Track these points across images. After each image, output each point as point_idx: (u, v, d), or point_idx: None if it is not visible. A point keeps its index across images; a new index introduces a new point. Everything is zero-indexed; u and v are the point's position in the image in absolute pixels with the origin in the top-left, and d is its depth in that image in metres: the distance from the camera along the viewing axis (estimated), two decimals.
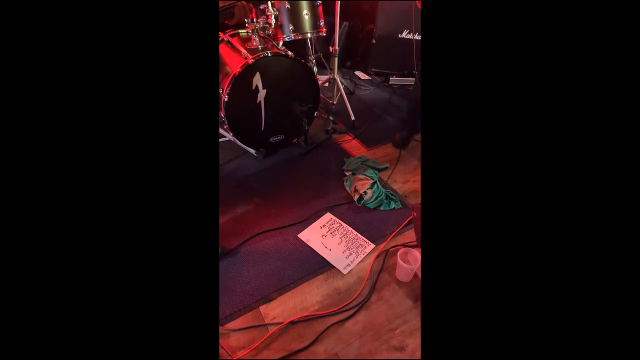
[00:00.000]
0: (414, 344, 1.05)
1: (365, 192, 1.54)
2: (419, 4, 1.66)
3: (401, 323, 1.10)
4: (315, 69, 2.08)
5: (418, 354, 1.02)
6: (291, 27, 1.78)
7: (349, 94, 2.47)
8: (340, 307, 1.14)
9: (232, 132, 1.66)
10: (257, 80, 1.61)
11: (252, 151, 1.82)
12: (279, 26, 1.78)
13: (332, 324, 1.09)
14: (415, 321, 1.11)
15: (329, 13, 1.95)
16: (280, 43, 1.81)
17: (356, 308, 1.14)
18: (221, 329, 1.08)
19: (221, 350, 1.02)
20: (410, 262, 1.22)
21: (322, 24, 1.85)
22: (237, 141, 1.74)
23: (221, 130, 1.83)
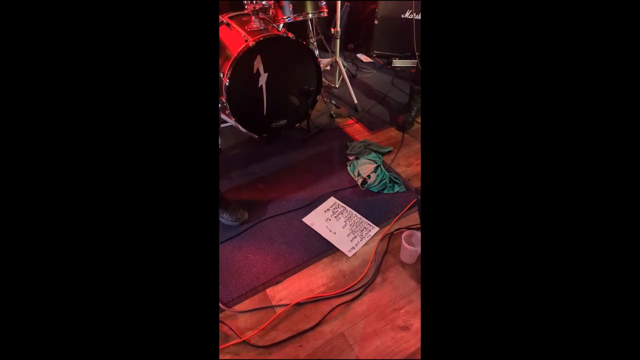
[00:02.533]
0: (419, 323, 1.07)
1: (369, 176, 1.54)
2: None
3: (406, 303, 1.12)
4: (316, 52, 2.05)
5: None
6: (291, 8, 1.73)
7: (351, 77, 2.43)
8: (345, 288, 1.16)
9: (234, 117, 1.64)
10: (258, 63, 1.58)
11: (255, 136, 1.81)
12: (279, 7, 1.74)
13: (338, 305, 1.11)
14: (419, 301, 1.12)
15: None
16: (281, 25, 1.77)
17: (361, 289, 1.16)
18: (229, 311, 1.10)
19: (229, 332, 1.05)
20: (414, 244, 1.22)
21: (323, 4, 1.80)
22: (240, 126, 1.73)
23: (223, 116, 1.81)
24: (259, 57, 1.56)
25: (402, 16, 2.42)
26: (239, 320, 1.08)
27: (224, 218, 1.37)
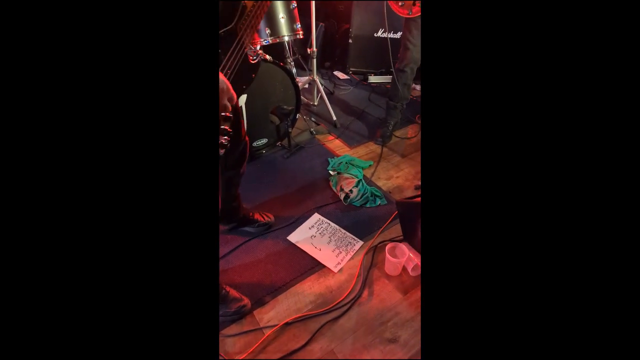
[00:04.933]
0: (406, 334, 1.09)
1: (351, 191, 1.57)
2: (391, 4, 1.70)
3: (393, 315, 1.14)
4: (294, 70, 2.10)
5: (411, 344, 1.06)
6: (268, 31, 1.78)
7: (329, 94, 2.50)
8: (333, 305, 1.17)
9: None
10: None
11: None
12: (256, 30, 1.79)
13: (326, 322, 1.11)
14: (406, 312, 1.15)
15: (304, 14, 1.97)
16: (258, 47, 1.82)
17: (349, 305, 1.17)
18: None
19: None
20: (398, 256, 1.25)
21: (298, 26, 1.87)
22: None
23: None
24: None
25: (375, 35, 2.52)
26: (227, 345, 1.06)
27: (252, 228, 1.40)
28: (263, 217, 1.44)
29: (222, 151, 0.92)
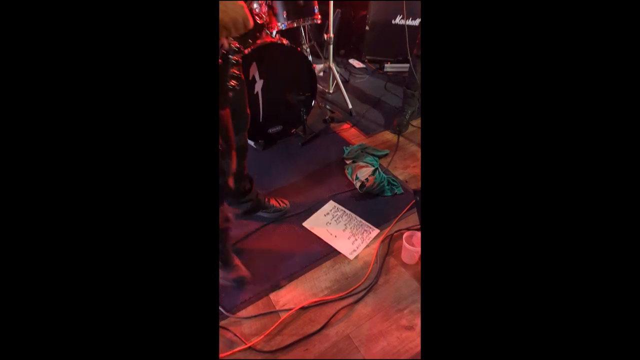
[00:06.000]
0: None
1: (367, 179, 1.55)
2: None
3: (409, 303, 1.13)
4: (310, 58, 2.07)
5: None
6: (285, 15, 1.76)
7: (344, 82, 2.46)
8: (349, 291, 1.16)
9: None
10: (254, 70, 1.59)
11: (252, 143, 1.82)
12: (273, 14, 1.76)
13: (342, 307, 1.11)
14: None
15: (321, 0, 1.93)
16: (274, 32, 1.79)
17: (365, 291, 1.16)
18: (233, 318, 1.09)
19: (234, 338, 1.04)
20: (415, 245, 1.24)
21: (316, 10, 1.83)
22: None
23: None
24: (254, 64, 1.58)
25: (392, 22, 2.46)
26: (243, 327, 1.07)
27: (267, 213, 1.42)
28: (279, 203, 1.43)
29: (230, 94, 0.89)
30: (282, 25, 1.77)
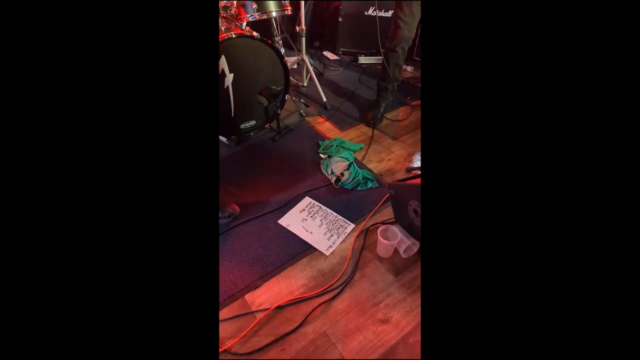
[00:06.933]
0: (398, 315, 1.09)
1: (342, 174, 1.55)
2: None
3: (385, 297, 1.14)
4: (282, 50, 2.02)
5: (402, 324, 1.07)
6: (255, 6, 1.69)
7: (319, 75, 2.44)
8: (325, 287, 1.16)
9: None
10: (223, 64, 1.54)
11: (224, 139, 1.76)
12: (242, 5, 1.70)
13: (319, 305, 1.11)
14: (398, 294, 1.15)
15: None
16: (244, 24, 1.73)
17: (341, 287, 1.16)
18: None
19: None
20: (389, 238, 1.25)
21: (287, 1, 1.78)
22: None
23: None
24: (223, 58, 1.52)
25: (365, 13, 2.45)
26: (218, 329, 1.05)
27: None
28: (231, 208, 1.40)
29: None
30: (251, 17, 1.71)
